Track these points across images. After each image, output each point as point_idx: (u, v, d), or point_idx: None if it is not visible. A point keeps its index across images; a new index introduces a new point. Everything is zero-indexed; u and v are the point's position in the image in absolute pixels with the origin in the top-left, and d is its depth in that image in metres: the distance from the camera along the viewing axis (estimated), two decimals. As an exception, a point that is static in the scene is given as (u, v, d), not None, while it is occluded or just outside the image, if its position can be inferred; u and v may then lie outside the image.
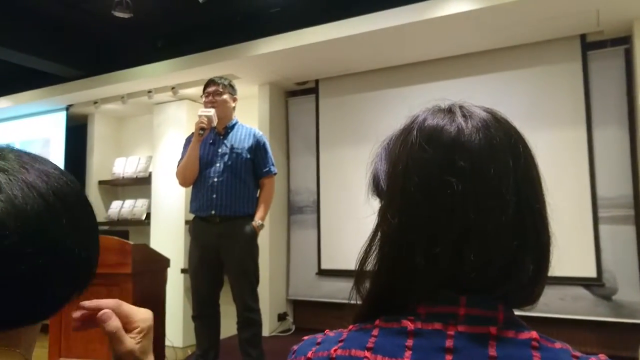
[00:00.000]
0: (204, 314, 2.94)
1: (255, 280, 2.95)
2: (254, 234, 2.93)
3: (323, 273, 4.32)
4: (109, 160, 5.43)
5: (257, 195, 3.04)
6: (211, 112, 2.88)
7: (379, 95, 4.20)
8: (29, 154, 0.57)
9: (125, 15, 3.87)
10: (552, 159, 3.32)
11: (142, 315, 0.64)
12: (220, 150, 2.97)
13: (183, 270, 4.41)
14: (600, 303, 3.38)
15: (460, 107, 0.60)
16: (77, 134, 5.35)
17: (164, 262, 3.10)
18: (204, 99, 3.01)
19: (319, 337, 0.61)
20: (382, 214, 0.59)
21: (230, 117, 3.04)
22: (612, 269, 3.38)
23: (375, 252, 0.59)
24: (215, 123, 2.90)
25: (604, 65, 3.54)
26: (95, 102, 5.01)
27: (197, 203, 2.96)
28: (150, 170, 5.06)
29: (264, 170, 3.02)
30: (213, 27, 4.32)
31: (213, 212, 2.89)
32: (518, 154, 0.56)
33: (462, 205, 0.53)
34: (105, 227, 5.09)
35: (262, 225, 2.98)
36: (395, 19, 3.40)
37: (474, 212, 0.53)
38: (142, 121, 5.44)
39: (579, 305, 3.41)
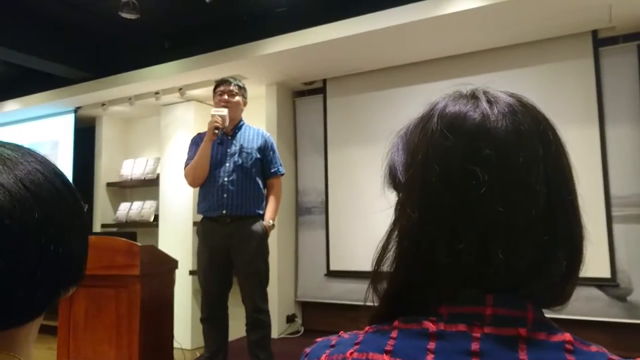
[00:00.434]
0: (212, 316, 2.92)
1: (265, 281, 2.93)
2: (265, 234, 2.91)
3: (332, 274, 4.29)
4: (117, 162, 5.44)
5: (265, 195, 3.02)
6: (224, 111, 2.86)
7: (387, 95, 4.16)
8: (16, 148, 0.55)
9: (132, 17, 3.87)
10: (564, 157, 3.27)
11: None
12: (229, 150, 2.95)
13: (191, 272, 4.40)
14: (615, 304, 3.32)
15: (485, 92, 0.56)
16: (85, 136, 5.36)
17: (172, 264, 3.09)
18: (216, 98, 2.98)
19: (333, 339, 0.57)
20: (401, 207, 0.56)
21: (239, 119, 3.04)
22: (627, 269, 3.33)
23: (393, 249, 0.55)
24: (227, 123, 2.88)
25: (616, 61, 3.48)
26: (103, 104, 5.02)
27: (207, 203, 2.92)
28: (158, 171, 5.05)
29: (272, 171, 3.01)
30: (220, 28, 4.31)
31: (224, 211, 2.86)
32: (548, 141, 0.53)
33: (487, 196, 0.49)
34: (114, 229, 5.10)
35: (273, 226, 2.97)
36: (403, 17, 3.37)
37: (501, 204, 0.49)
38: (149, 123, 5.44)
39: (593, 306, 3.35)
